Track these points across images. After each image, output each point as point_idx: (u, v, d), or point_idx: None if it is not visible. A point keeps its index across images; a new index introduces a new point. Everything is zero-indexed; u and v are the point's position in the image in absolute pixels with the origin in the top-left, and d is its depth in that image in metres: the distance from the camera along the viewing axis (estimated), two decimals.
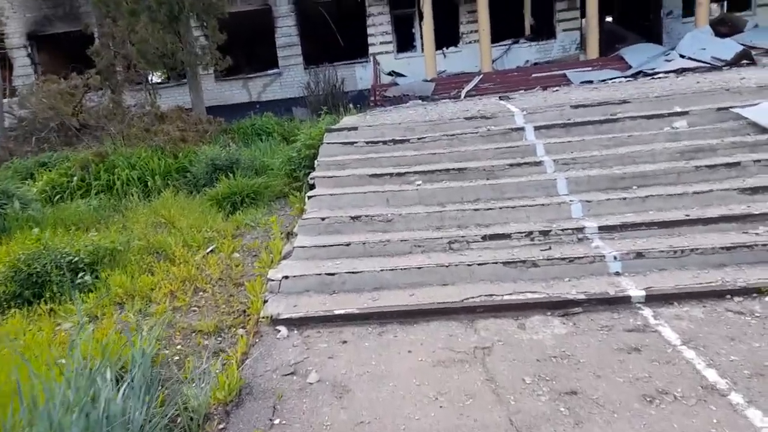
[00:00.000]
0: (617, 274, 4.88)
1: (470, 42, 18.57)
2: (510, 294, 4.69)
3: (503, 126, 7.73)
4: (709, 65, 14.94)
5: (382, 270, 5.09)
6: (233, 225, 6.76)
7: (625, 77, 15.19)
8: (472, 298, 4.66)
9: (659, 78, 12.74)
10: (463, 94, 15.49)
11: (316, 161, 7.37)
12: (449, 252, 5.40)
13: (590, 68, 16.26)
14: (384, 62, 18.37)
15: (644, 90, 8.65)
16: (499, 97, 9.95)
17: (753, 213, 5.30)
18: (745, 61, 14.80)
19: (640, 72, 15.27)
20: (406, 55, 18.80)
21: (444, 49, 18.58)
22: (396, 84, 16.86)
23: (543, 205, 5.85)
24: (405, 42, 19.13)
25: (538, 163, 6.67)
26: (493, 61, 17.62)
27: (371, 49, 18.46)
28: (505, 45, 18.72)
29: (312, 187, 6.92)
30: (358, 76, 18.96)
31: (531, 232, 5.44)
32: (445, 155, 7.21)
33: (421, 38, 17.81)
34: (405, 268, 5.08)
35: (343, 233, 5.88)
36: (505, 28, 18.07)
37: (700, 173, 6.05)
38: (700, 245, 4.95)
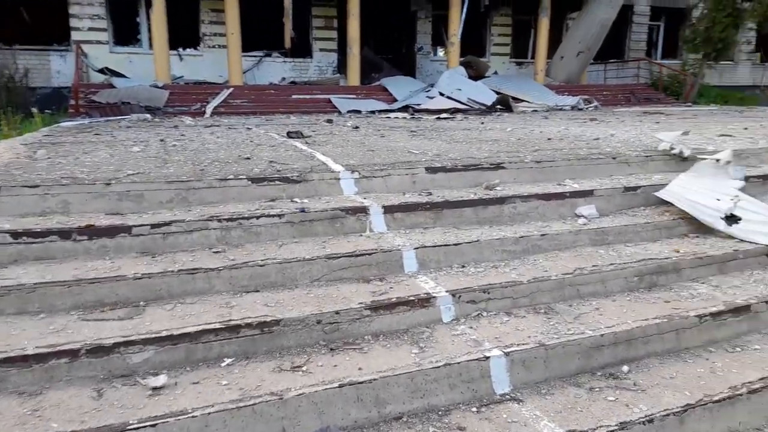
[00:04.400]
0: None
1: (214, 46, 13.96)
2: None
3: (326, 200, 3.79)
4: (469, 107, 13.32)
5: None
6: None
7: (393, 110, 12.64)
8: None
9: (447, 118, 10.26)
10: (208, 110, 10.93)
11: None
12: None
13: (354, 96, 13.33)
14: (95, 55, 12.53)
15: (490, 141, 5.63)
16: (288, 133, 5.91)
17: None
18: (499, 107, 13.58)
19: (408, 106, 12.90)
20: (127, 50, 13.21)
21: (180, 49, 13.58)
22: (112, 86, 11.36)
23: None
24: (126, 33, 13.48)
25: (425, 302, 2.93)
26: (243, 73, 13.37)
27: (75, 35, 12.42)
28: (257, 56, 14.63)
29: None
30: (55, 68, 12.67)
31: None
32: (220, 276, 2.93)
33: (149, 31, 12.58)
34: None
35: None
36: (255, 37, 13.95)
37: (705, 331, 3.05)
38: None
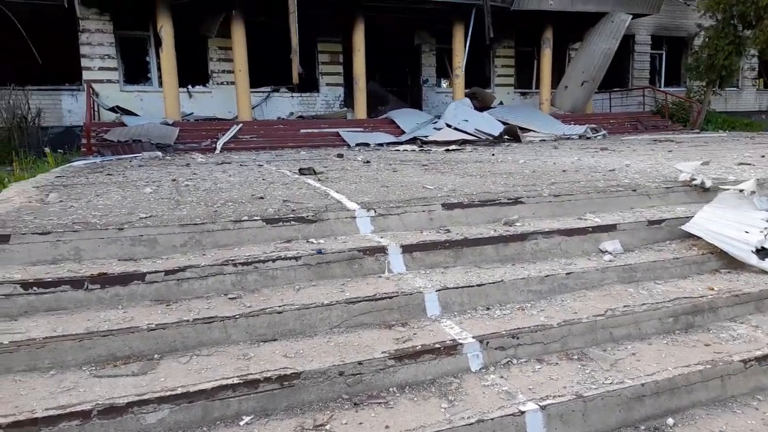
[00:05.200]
0: None
1: (223, 83, 14.09)
2: None
3: (343, 240, 3.67)
4: (476, 138, 13.30)
5: None
6: None
7: (401, 143, 12.63)
8: None
9: (457, 150, 10.21)
10: (219, 146, 10.95)
11: None
12: None
13: (362, 129, 13.33)
14: (106, 94, 12.65)
15: (505, 174, 5.52)
16: (300, 170, 5.84)
17: None
18: (507, 137, 13.56)
19: (415, 138, 12.88)
20: (137, 89, 13.33)
21: (189, 87, 13.71)
22: (123, 125, 11.41)
23: None
24: (136, 71, 13.65)
25: (451, 349, 2.77)
26: (252, 109, 13.46)
27: (86, 75, 12.56)
28: (264, 92, 14.73)
29: None
30: (66, 107, 12.77)
31: None
32: (237, 324, 2.79)
33: (159, 69, 12.72)
34: None
35: None
36: (263, 72, 14.08)
37: (752, 376, 2.86)
38: None
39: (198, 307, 2.88)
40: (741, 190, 4.71)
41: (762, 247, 4.02)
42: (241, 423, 2.30)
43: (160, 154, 9.36)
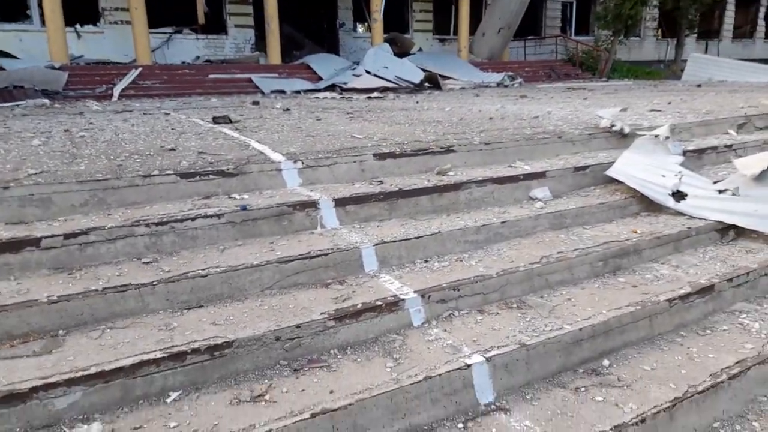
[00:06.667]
0: None
1: (117, 22, 12.79)
2: None
3: (269, 195, 3.42)
4: (397, 85, 13.12)
5: None
6: None
7: (320, 90, 12.22)
8: None
9: (379, 98, 9.98)
10: (116, 92, 9.99)
11: None
12: None
13: (277, 75, 12.75)
14: None
15: (433, 122, 5.41)
16: (214, 119, 5.37)
17: None
18: (428, 84, 13.48)
19: (334, 86, 12.52)
20: (15, 27, 11.79)
21: (77, 26, 12.32)
22: (1, 68, 10.09)
23: None
24: (14, 8, 12.01)
25: (393, 305, 2.67)
26: (152, 52, 12.37)
27: None
28: (166, 33, 13.60)
29: None
30: None
31: None
32: (155, 291, 2.52)
33: (40, 6, 11.28)
34: None
35: None
36: (163, 11, 12.91)
37: (676, 314, 3.01)
38: None
39: (107, 275, 2.57)
40: (656, 136, 4.91)
41: (677, 190, 4.24)
42: (168, 400, 2.09)
43: (47, 101, 8.37)
